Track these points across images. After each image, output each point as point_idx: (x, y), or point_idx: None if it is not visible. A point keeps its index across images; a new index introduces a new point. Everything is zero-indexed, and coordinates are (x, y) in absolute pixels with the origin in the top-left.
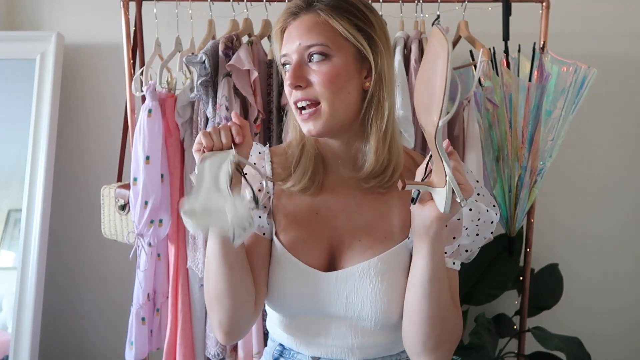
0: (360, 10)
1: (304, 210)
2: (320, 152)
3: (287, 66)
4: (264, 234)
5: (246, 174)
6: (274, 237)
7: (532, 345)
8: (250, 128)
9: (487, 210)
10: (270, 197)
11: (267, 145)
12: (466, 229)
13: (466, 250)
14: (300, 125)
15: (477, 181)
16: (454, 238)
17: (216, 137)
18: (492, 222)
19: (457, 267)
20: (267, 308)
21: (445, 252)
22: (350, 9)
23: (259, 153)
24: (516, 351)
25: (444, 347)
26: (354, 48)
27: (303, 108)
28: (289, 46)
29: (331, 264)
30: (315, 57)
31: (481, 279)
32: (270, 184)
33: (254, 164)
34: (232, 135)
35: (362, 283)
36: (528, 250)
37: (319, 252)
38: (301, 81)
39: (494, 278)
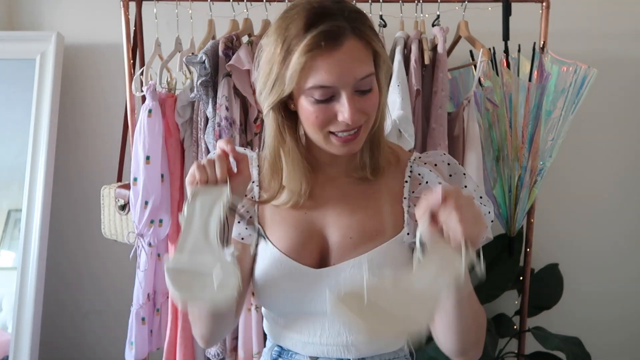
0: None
1: (292, 210)
2: (308, 156)
3: (320, 97)
4: (242, 238)
5: (239, 209)
6: (265, 238)
7: (532, 345)
8: (250, 128)
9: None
10: (255, 201)
11: (257, 150)
12: None
13: None
14: (330, 147)
15: (478, 186)
16: None
17: (211, 171)
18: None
19: None
20: (263, 309)
21: None
22: (369, 21)
23: None
24: (516, 351)
25: (480, 343)
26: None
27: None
28: (336, 78)
29: (323, 262)
30: (366, 88)
31: None
32: (256, 188)
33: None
34: (227, 168)
35: (354, 279)
36: (528, 250)
37: (310, 251)
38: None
39: (494, 278)
